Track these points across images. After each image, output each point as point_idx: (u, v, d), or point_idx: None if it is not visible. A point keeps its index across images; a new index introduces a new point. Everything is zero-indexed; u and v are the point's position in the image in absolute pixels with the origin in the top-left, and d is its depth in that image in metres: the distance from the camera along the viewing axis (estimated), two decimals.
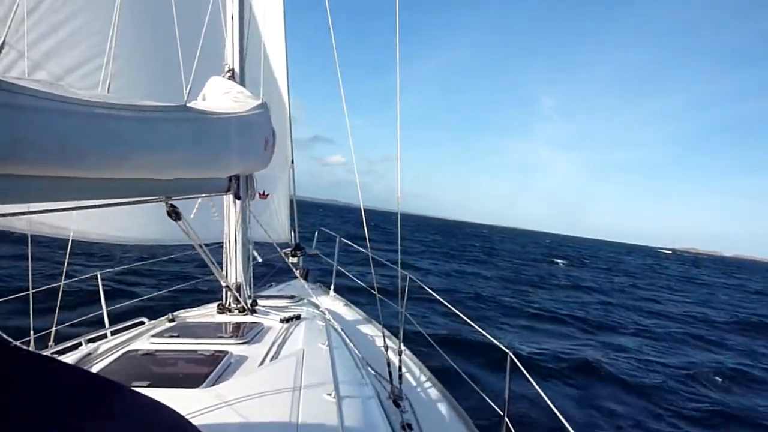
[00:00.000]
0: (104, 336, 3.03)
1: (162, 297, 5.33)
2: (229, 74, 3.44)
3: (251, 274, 3.71)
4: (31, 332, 3.03)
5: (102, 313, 3.92)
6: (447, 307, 3.54)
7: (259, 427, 1.72)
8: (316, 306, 4.30)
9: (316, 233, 7.40)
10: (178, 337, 2.72)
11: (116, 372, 2.17)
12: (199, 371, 2.15)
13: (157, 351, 2.47)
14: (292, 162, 6.62)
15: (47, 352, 2.69)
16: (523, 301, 15.03)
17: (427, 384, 3.80)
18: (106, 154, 1.66)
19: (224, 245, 3.56)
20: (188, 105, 2.31)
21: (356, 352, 3.11)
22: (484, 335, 2.95)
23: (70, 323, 3.61)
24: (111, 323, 3.69)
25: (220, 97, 3.08)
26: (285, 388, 2.01)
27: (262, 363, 2.43)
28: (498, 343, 2.79)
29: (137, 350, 2.47)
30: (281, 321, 3.25)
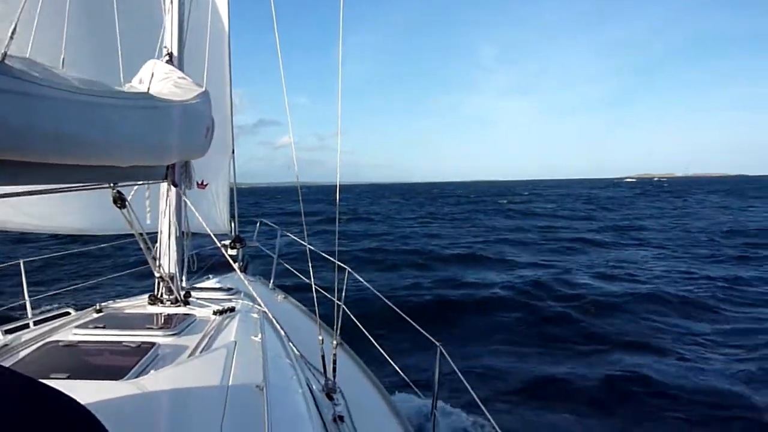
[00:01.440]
0: (26, 326, 2.89)
1: (90, 287, 5.09)
2: (167, 58, 3.34)
3: (186, 265, 3.62)
4: None
5: (24, 303, 3.73)
6: (383, 300, 3.59)
7: (183, 419, 1.68)
8: (253, 299, 4.24)
9: (258, 224, 7.29)
10: (103, 328, 2.62)
11: (33, 363, 2.07)
12: (123, 363, 2.08)
13: (80, 342, 2.37)
14: (233, 151, 6.49)
15: None
16: None
17: (362, 377, 3.84)
18: (44, 137, 1.59)
19: (158, 235, 3.45)
20: (150, 93, 2.25)
21: (290, 345, 3.10)
22: (416, 328, 3.01)
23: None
24: (35, 314, 3.51)
25: (160, 82, 2.99)
26: (213, 381, 1.97)
27: (191, 355, 2.38)
28: (429, 336, 2.86)
29: (59, 341, 2.37)
30: (214, 313, 3.19)
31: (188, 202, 3.37)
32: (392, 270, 14.93)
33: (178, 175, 3.35)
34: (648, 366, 7.25)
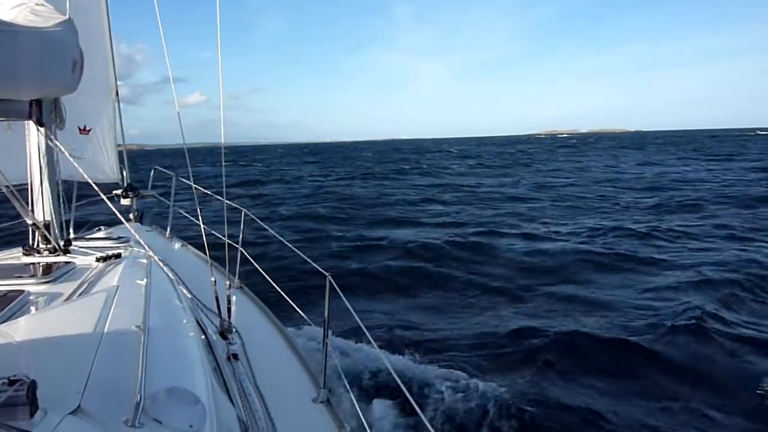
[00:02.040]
0: None
1: None
2: None
3: (63, 212, 3.40)
4: None
5: None
6: (281, 240, 3.59)
7: (49, 366, 1.61)
8: (144, 246, 4.09)
9: (152, 172, 6.92)
10: None
11: None
12: None
13: None
14: (117, 93, 6.05)
15: None
16: None
17: (260, 317, 3.86)
18: None
19: (28, 179, 3.19)
20: None
21: (181, 288, 3.03)
22: (306, 260, 3.06)
23: None
24: None
25: (13, 9, 2.69)
26: (87, 326, 1.89)
27: (67, 301, 2.27)
28: (318, 267, 2.91)
29: None
30: (97, 260, 3.04)
31: (58, 144, 3.12)
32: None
33: (46, 113, 3.07)
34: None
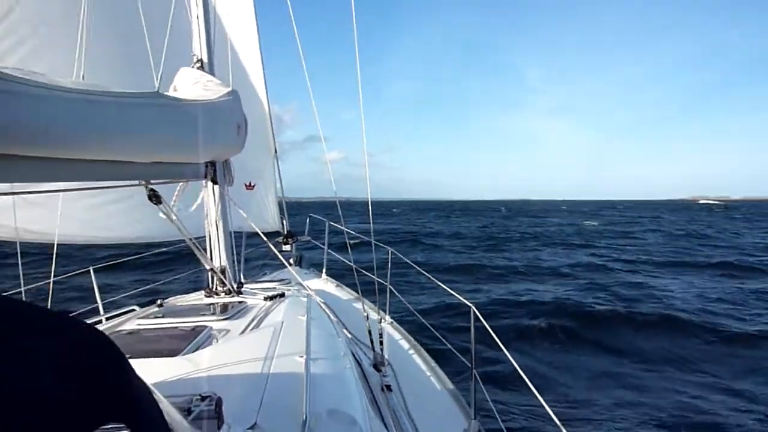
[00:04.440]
0: (98, 322, 3.16)
1: (153, 290, 5.45)
2: (198, 65, 3.55)
3: (235, 258, 3.84)
4: None
5: (96, 306, 4.07)
6: (425, 275, 3.69)
7: (230, 387, 1.84)
8: (304, 287, 4.44)
9: (308, 220, 7.52)
10: (162, 317, 2.85)
11: None
12: (178, 344, 2.27)
13: (140, 330, 2.60)
14: (276, 151, 6.74)
15: None
16: None
17: (409, 350, 3.96)
18: (86, 137, 1.80)
19: (206, 231, 3.68)
20: (160, 92, 2.43)
21: (338, 323, 3.25)
22: (452, 294, 3.10)
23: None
24: (105, 314, 3.83)
25: (191, 87, 3.20)
26: (258, 354, 2.13)
27: (242, 334, 2.55)
28: (461, 298, 2.94)
29: (120, 330, 2.60)
30: (265, 299, 3.38)
31: (230, 199, 3.58)
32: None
33: (219, 173, 3.55)
34: None
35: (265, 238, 3.42)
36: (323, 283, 6.26)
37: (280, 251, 6.67)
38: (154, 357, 2.12)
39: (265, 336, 2.42)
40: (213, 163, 3.42)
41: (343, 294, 5.69)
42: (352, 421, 1.68)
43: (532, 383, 2.27)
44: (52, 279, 3.40)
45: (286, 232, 7.13)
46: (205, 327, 2.57)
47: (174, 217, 2.85)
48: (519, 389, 4.98)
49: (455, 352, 3.50)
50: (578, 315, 9.44)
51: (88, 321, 3.24)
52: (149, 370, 1.95)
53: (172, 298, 3.72)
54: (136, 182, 2.42)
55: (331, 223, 6.84)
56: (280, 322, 2.69)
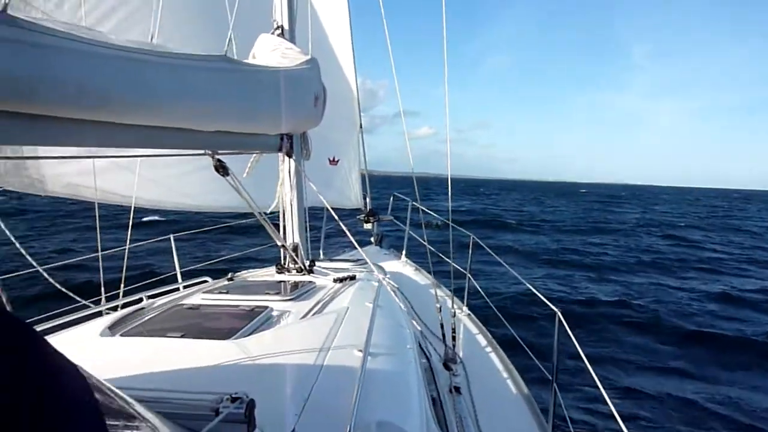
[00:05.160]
0: (176, 290, 3.14)
1: (230, 259, 5.49)
2: (278, 31, 3.39)
3: (308, 235, 3.71)
4: (102, 289, 3.19)
5: (175, 273, 4.12)
6: (509, 270, 3.37)
7: (275, 382, 1.68)
8: (381, 269, 4.25)
9: (391, 198, 7.31)
10: (227, 293, 2.76)
11: (155, 323, 2.22)
12: (235, 324, 2.15)
13: (201, 305, 2.51)
14: (360, 126, 6.57)
15: (111, 305, 2.83)
16: None
17: (485, 347, 3.66)
18: (131, 100, 1.66)
19: (280, 206, 3.57)
20: (228, 56, 2.28)
21: (408, 312, 3.01)
22: (536, 294, 2.77)
23: (142, 282, 3.78)
24: (181, 283, 3.85)
25: (269, 54, 3.05)
26: (314, 343, 1.95)
27: (302, 319, 2.40)
28: (547, 301, 2.60)
29: (184, 305, 2.53)
30: (335, 281, 3.22)
31: (306, 174, 3.42)
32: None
33: (296, 146, 3.40)
34: None
35: (335, 217, 3.24)
36: (401, 266, 6.05)
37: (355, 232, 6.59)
38: (206, 338, 2.00)
39: (326, 323, 2.24)
40: (290, 136, 3.27)
41: (421, 279, 5.44)
42: None
43: (618, 410, 1.93)
44: (127, 246, 3.42)
45: (367, 210, 6.98)
46: (266, 308, 2.44)
47: (243, 190, 2.72)
48: (602, 412, 4.52)
49: (533, 357, 3.16)
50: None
51: (166, 288, 3.26)
52: (197, 353, 1.83)
53: (245, 272, 3.66)
54: (202, 152, 2.29)
55: (414, 203, 6.59)
56: (344, 308, 2.51)
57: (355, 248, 6.49)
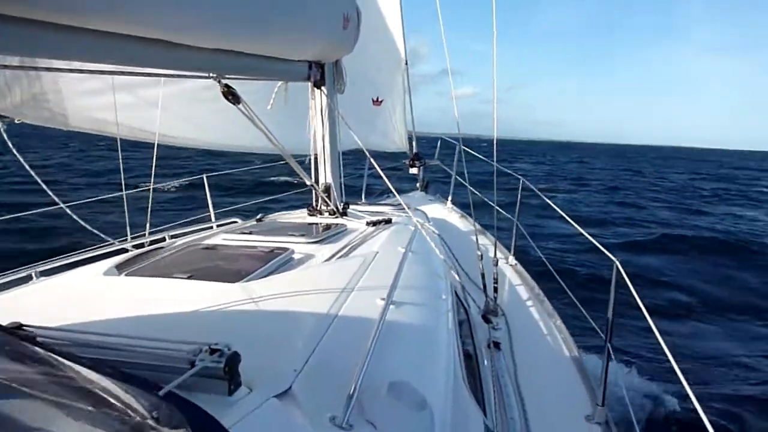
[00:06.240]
0: (195, 232, 2.99)
1: (271, 202, 5.30)
2: None
3: (341, 176, 3.45)
4: (127, 228, 3.07)
5: (209, 214, 3.99)
6: (562, 215, 3.02)
7: (281, 327, 1.46)
8: (422, 214, 3.97)
9: (439, 142, 6.93)
10: (249, 234, 2.56)
11: (165, 263, 2.05)
12: (249, 267, 1.94)
13: (219, 246, 2.32)
14: (406, 63, 6.15)
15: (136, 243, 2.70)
16: None
17: (529, 300, 3.35)
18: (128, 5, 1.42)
19: (311, 144, 3.31)
20: None
21: (446, 259, 2.73)
22: (593, 243, 2.42)
23: (172, 223, 3.66)
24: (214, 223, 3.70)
25: None
26: (332, 289, 1.72)
27: (325, 262, 2.16)
28: (605, 250, 2.25)
29: (199, 244, 2.35)
30: (368, 224, 2.97)
31: (338, 109, 3.13)
32: None
33: (329, 77, 3.10)
34: None
35: (370, 157, 2.95)
36: (447, 212, 5.74)
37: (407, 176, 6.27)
38: (214, 280, 1.80)
39: (350, 268, 2.00)
40: (320, 65, 2.96)
41: (466, 226, 5.13)
42: (421, 404, 1.20)
43: (687, 376, 1.61)
44: (152, 186, 3.26)
45: (413, 155, 6.64)
46: (286, 249, 2.22)
47: (259, 122, 2.45)
48: (667, 376, 4.14)
49: (583, 312, 2.83)
50: None
51: (197, 227, 3.12)
52: (201, 296, 1.64)
53: (277, 213, 3.47)
54: (205, 74, 2.03)
55: (464, 147, 6.20)
56: (373, 253, 2.25)
57: (405, 193, 6.21)
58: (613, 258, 2.08)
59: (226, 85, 2.15)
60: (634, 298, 1.89)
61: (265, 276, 1.89)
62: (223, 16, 1.77)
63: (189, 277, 1.85)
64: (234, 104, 2.22)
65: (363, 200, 5.38)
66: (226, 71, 2.09)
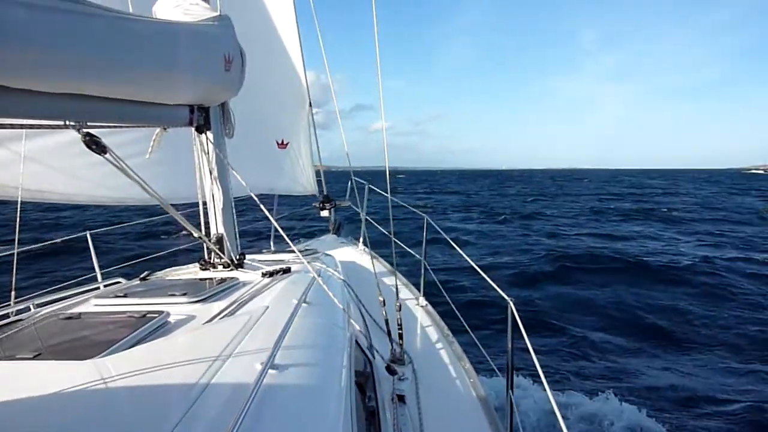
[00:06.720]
0: (65, 298, 2.65)
1: (164, 257, 4.93)
2: None
3: (236, 224, 3.24)
4: None
5: (95, 274, 3.63)
6: (458, 251, 2.98)
7: (133, 408, 1.26)
8: (329, 259, 3.81)
9: (349, 183, 6.85)
10: (124, 297, 2.30)
11: (12, 341, 1.77)
12: (110, 337, 1.70)
13: (83, 314, 2.06)
14: (310, 105, 6.07)
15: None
16: None
17: (438, 343, 3.25)
18: None
19: (198, 192, 3.09)
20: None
21: (346, 310, 2.58)
22: (490, 284, 2.38)
23: (55, 287, 3.26)
24: (98, 285, 3.36)
25: (171, 11, 2.57)
26: (204, 357, 1.51)
27: (205, 324, 1.95)
28: (499, 291, 2.20)
29: (62, 314, 2.07)
30: (263, 275, 2.77)
31: (219, 153, 2.94)
32: None
33: (214, 121, 2.92)
34: None
35: (262, 207, 2.78)
36: (359, 255, 5.62)
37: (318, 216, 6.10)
38: (64, 358, 1.55)
39: (232, 328, 1.80)
40: (202, 108, 2.79)
41: (378, 269, 5.01)
42: None
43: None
44: (16, 249, 2.90)
45: (322, 197, 6.49)
46: (161, 313, 1.99)
47: (132, 173, 2.22)
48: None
49: (489, 359, 2.77)
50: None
51: (75, 291, 2.77)
52: (46, 378, 1.39)
53: (167, 270, 3.19)
54: (60, 123, 1.80)
55: (371, 186, 6.12)
56: (263, 308, 2.06)
57: (315, 237, 5.97)
58: (507, 298, 2.02)
59: (88, 134, 1.92)
60: (530, 336, 1.83)
61: (129, 347, 1.66)
62: (75, 57, 1.58)
63: (35, 357, 1.59)
64: (100, 154, 1.99)
65: (271, 248, 5.15)
66: (88, 118, 1.88)
